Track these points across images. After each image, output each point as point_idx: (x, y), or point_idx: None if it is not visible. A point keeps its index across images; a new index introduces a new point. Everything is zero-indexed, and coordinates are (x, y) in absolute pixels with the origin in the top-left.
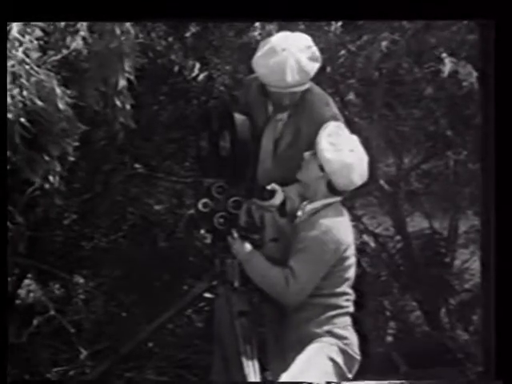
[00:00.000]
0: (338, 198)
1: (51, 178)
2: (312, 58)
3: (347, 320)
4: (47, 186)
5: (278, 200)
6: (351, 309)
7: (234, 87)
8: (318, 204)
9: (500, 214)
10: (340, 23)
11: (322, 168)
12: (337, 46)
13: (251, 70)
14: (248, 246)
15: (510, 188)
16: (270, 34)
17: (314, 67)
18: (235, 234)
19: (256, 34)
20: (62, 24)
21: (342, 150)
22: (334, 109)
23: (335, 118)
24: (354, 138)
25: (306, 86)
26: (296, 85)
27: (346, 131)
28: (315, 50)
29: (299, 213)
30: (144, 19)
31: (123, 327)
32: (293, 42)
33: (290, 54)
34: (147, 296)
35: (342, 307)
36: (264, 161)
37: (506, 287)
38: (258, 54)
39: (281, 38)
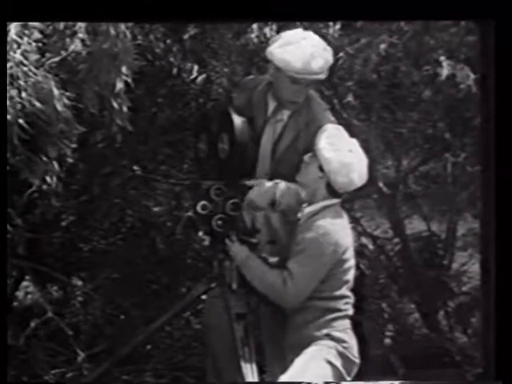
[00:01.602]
0: (337, 200)
1: (49, 179)
2: (326, 49)
3: (346, 323)
4: (45, 187)
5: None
6: (350, 312)
7: (232, 89)
8: (316, 206)
9: (500, 216)
10: (338, 26)
11: (321, 168)
12: (335, 48)
13: (249, 72)
14: (246, 249)
15: (509, 190)
16: (267, 36)
17: (330, 57)
18: (233, 237)
19: (254, 36)
20: (61, 26)
21: (340, 150)
22: (331, 116)
23: (333, 123)
24: (353, 141)
25: (325, 76)
26: (319, 72)
27: (344, 133)
28: (325, 44)
29: (298, 215)
30: (142, 21)
31: (121, 329)
32: (308, 34)
33: (310, 41)
34: (145, 298)
35: (341, 310)
36: (263, 163)
37: (505, 289)
38: (275, 44)
39: (295, 32)
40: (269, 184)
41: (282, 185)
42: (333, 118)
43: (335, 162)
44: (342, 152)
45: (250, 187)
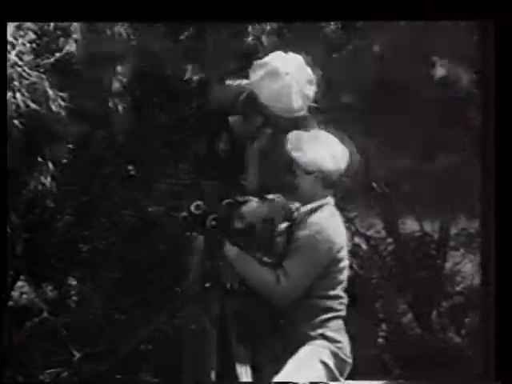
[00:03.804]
0: (332, 200)
1: (46, 180)
2: (310, 81)
3: (340, 323)
4: (43, 188)
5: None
6: (344, 312)
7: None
8: (312, 206)
9: (499, 216)
10: (336, 25)
11: (308, 172)
12: (333, 47)
13: (245, 73)
14: (238, 249)
15: (509, 189)
16: (264, 35)
17: (312, 90)
18: (225, 237)
19: (250, 36)
20: (55, 27)
21: (309, 146)
22: (315, 123)
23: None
24: (311, 133)
25: (304, 112)
26: (299, 110)
27: (304, 133)
28: (310, 72)
29: (294, 215)
30: (139, 21)
31: (119, 329)
32: (293, 64)
33: (293, 78)
34: (143, 298)
35: (335, 310)
36: (251, 175)
37: (504, 288)
38: (259, 75)
39: (280, 60)
40: (258, 203)
41: (271, 200)
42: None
43: (315, 158)
44: (313, 147)
45: (241, 202)
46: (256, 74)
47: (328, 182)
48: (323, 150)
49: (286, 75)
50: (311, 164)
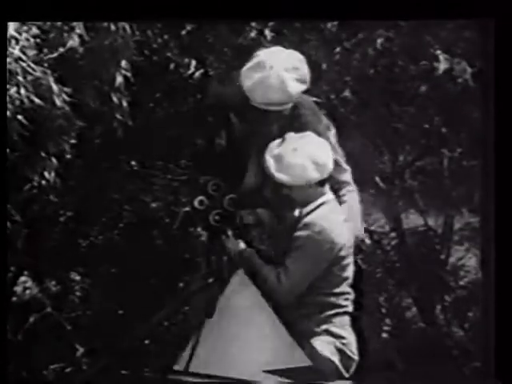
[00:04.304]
0: (333, 197)
1: (48, 175)
2: (299, 80)
3: (345, 319)
4: (44, 183)
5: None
6: (350, 308)
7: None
8: (313, 205)
9: (499, 210)
10: (335, 21)
11: (299, 185)
12: (332, 43)
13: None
14: (242, 245)
15: (509, 185)
16: (264, 32)
17: (299, 89)
18: (229, 232)
19: (252, 31)
20: (59, 22)
21: (292, 164)
22: (324, 118)
23: (328, 128)
24: (293, 143)
25: (288, 106)
26: (276, 103)
27: (281, 148)
28: (304, 71)
29: (295, 213)
30: (140, 19)
31: (119, 324)
32: (282, 60)
33: (275, 72)
34: (143, 293)
35: (340, 306)
36: (252, 172)
37: (505, 284)
38: (248, 65)
39: (272, 54)
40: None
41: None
42: (327, 121)
43: (302, 173)
44: (295, 161)
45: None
46: (247, 65)
47: (321, 183)
48: (306, 162)
49: (270, 68)
50: (298, 180)
